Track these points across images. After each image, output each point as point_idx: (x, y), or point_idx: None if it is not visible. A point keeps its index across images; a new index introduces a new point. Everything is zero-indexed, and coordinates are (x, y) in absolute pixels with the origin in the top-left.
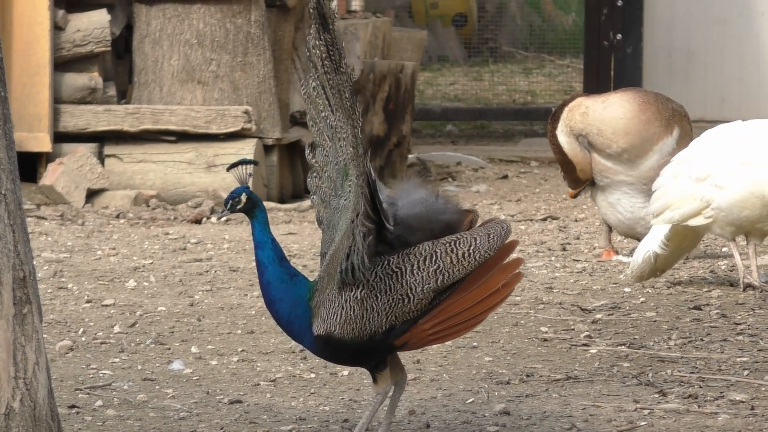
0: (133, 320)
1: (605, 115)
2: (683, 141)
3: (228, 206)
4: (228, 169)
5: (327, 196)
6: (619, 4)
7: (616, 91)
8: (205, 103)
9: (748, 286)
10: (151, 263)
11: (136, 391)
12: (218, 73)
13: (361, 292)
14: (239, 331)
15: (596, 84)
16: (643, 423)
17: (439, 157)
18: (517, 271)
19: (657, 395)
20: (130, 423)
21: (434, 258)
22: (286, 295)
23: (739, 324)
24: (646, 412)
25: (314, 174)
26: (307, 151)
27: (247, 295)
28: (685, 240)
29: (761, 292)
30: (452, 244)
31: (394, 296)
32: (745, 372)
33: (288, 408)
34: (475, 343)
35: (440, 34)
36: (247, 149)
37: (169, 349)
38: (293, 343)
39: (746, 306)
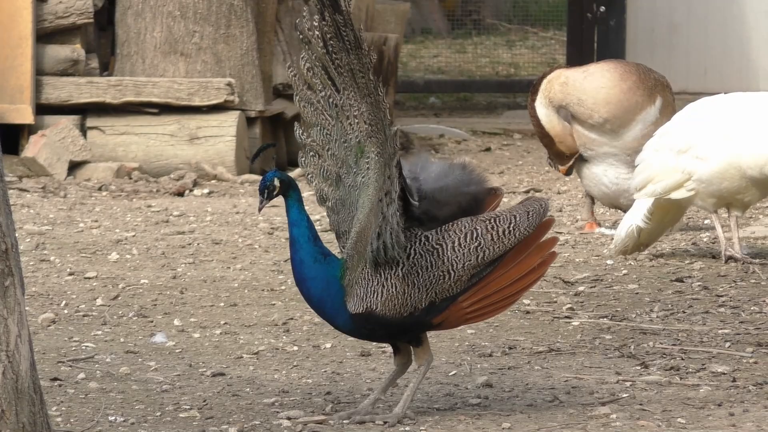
0: (116, 293)
1: (585, 84)
2: (666, 111)
3: (265, 195)
4: (252, 162)
5: (332, 174)
6: None
7: (597, 62)
8: (187, 75)
9: (730, 258)
10: (134, 236)
11: (119, 364)
12: (201, 45)
13: (402, 269)
14: (222, 304)
15: (579, 56)
16: (625, 395)
17: (422, 129)
18: (552, 249)
19: (639, 367)
20: (113, 395)
21: (475, 235)
22: (319, 273)
23: (721, 296)
24: (628, 384)
25: (311, 153)
26: (299, 131)
27: (230, 268)
28: (668, 214)
29: (743, 264)
30: (492, 221)
31: (435, 272)
32: (727, 344)
33: (271, 381)
34: None
35: (423, 6)
36: (229, 122)
37: (152, 321)
38: (276, 315)
39: (728, 278)
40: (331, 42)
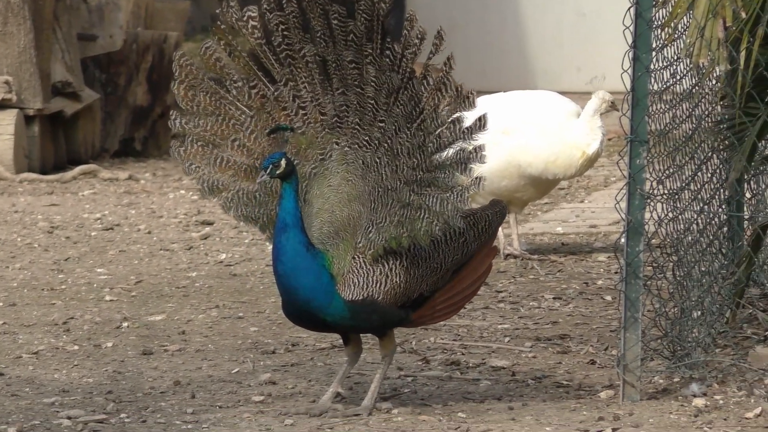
0: None
1: None
2: None
3: (268, 171)
4: (268, 134)
5: (236, 164)
6: None
7: None
8: None
9: (509, 255)
10: None
11: None
12: None
13: (405, 260)
14: (0, 304)
15: None
16: (407, 390)
17: None
18: (495, 255)
19: (420, 362)
20: None
21: (461, 230)
22: (312, 263)
23: (501, 292)
24: (409, 379)
25: (198, 142)
26: (178, 120)
27: (8, 267)
28: None
29: (522, 260)
30: (473, 218)
31: (431, 264)
32: (506, 339)
33: (51, 380)
34: (240, 314)
35: (203, 3)
36: (7, 120)
37: None
38: (56, 314)
39: (507, 274)
40: (285, 33)
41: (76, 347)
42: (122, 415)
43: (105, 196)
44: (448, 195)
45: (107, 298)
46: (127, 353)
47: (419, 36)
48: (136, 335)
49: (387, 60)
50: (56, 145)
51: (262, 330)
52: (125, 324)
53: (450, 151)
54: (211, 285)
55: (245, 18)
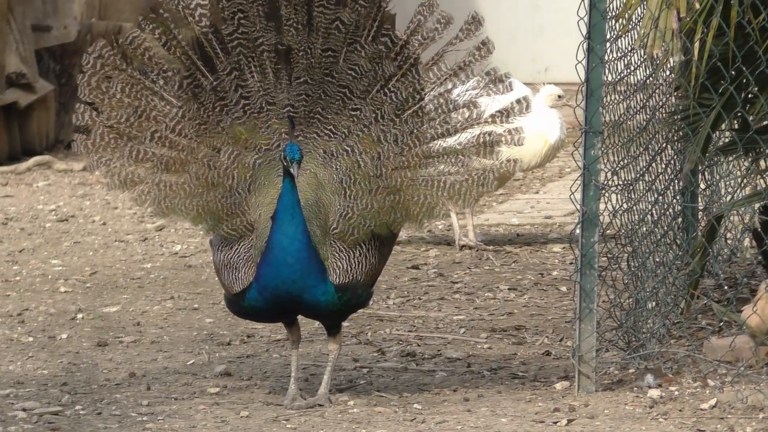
0: None
1: None
2: None
3: (300, 161)
4: (292, 128)
5: (156, 156)
6: None
7: None
8: None
9: (465, 246)
10: None
11: None
12: None
13: (378, 240)
14: None
15: None
16: (362, 382)
17: None
18: None
19: (376, 354)
20: None
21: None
22: (315, 253)
23: (456, 283)
24: (365, 371)
25: (112, 134)
26: (88, 113)
27: None
28: None
29: (477, 251)
30: None
31: (388, 246)
32: (462, 330)
33: (5, 372)
34: (195, 305)
35: None
36: None
37: None
38: (10, 306)
39: (463, 265)
40: (243, 21)
41: (30, 339)
42: (77, 407)
43: (59, 187)
44: (464, 179)
45: (62, 289)
46: (82, 345)
47: (442, 22)
48: (91, 327)
49: (381, 47)
50: (10, 137)
51: (218, 321)
52: (80, 315)
53: (465, 136)
54: (166, 276)
55: (193, 5)
